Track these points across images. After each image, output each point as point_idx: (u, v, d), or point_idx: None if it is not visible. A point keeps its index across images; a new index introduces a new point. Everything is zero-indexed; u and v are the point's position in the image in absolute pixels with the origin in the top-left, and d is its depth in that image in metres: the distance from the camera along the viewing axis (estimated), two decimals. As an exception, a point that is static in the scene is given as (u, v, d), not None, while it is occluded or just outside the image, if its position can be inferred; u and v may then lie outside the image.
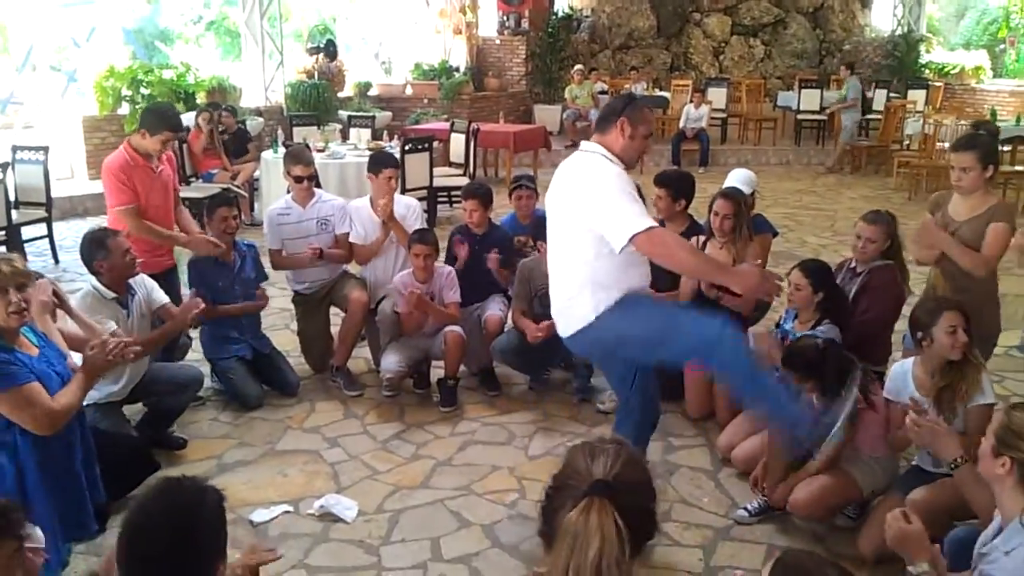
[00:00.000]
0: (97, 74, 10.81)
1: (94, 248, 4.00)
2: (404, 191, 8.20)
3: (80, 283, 5.15)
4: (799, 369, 3.53)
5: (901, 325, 4.51)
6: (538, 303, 4.79)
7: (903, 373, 3.50)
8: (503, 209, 6.08)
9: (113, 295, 4.03)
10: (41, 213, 7.73)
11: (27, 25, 15.64)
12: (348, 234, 5.21)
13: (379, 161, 5.25)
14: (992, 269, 3.84)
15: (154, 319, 4.30)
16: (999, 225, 3.80)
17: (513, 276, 5.04)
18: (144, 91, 10.77)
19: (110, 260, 3.98)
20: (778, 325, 4.40)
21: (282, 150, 8.48)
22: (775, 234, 5.25)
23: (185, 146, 9.07)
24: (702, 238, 4.61)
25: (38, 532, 2.66)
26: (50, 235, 7.76)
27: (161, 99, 10.83)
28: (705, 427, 4.59)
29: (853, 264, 4.32)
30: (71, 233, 8.45)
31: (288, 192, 5.28)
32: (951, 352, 3.29)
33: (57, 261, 7.72)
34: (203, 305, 4.31)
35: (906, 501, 3.26)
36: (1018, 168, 10.43)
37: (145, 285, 4.28)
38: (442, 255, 5.20)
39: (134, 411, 4.38)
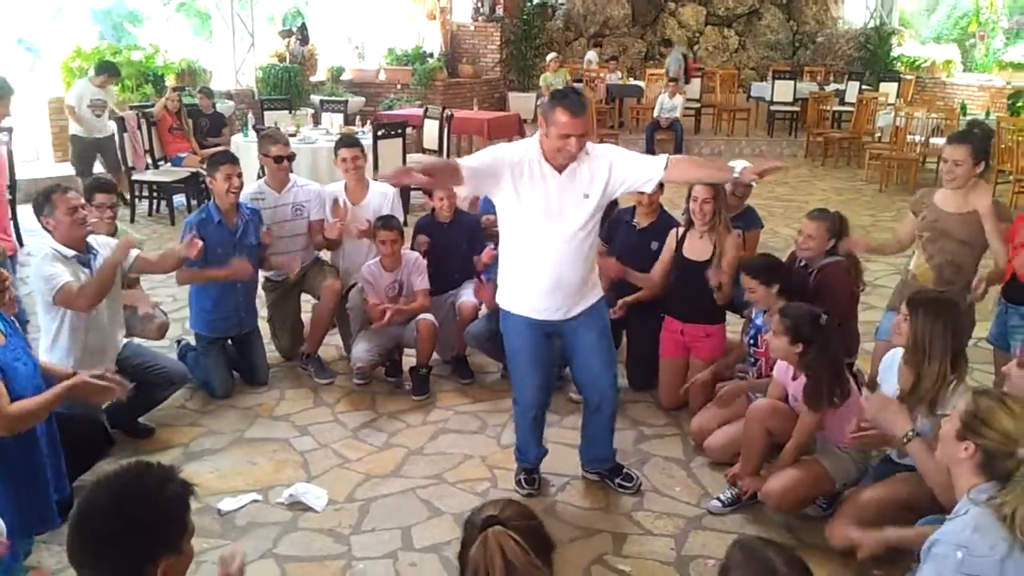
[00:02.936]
0: (64, 55, 10.59)
1: (40, 204, 3.89)
2: (376, 177, 8.13)
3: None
4: (788, 332, 3.60)
5: (868, 316, 4.56)
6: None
7: (891, 362, 3.50)
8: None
9: (73, 253, 3.90)
10: (5, 196, 7.56)
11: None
12: (323, 221, 5.13)
13: (337, 143, 5.24)
14: (1009, 258, 3.90)
15: (130, 278, 4.22)
16: (998, 226, 3.89)
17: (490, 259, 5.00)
18: (112, 72, 10.58)
19: (55, 217, 3.84)
20: (750, 319, 4.42)
21: (252, 134, 8.37)
22: (761, 227, 5.27)
23: (154, 128, 8.94)
24: (680, 230, 4.59)
25: None
26: (14, 218, 7.58)
27: (129, 81, 10.67)
28: (677, 417, 4.59)
29: (803, 262, 4.34)
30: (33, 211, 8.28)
31: (259, 177, 5.18)
32: (894, 338, 3.40)
33: (22, 244, 7.55)
34: (199, 245, 4.22)
35: (859, 500, 3.28)
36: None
37: (110, 245, 4.14)
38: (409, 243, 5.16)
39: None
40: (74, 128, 8.90)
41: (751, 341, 4.27)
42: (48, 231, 3.90)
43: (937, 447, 2.48)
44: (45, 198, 3.87)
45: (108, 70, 9.08)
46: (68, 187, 3.98)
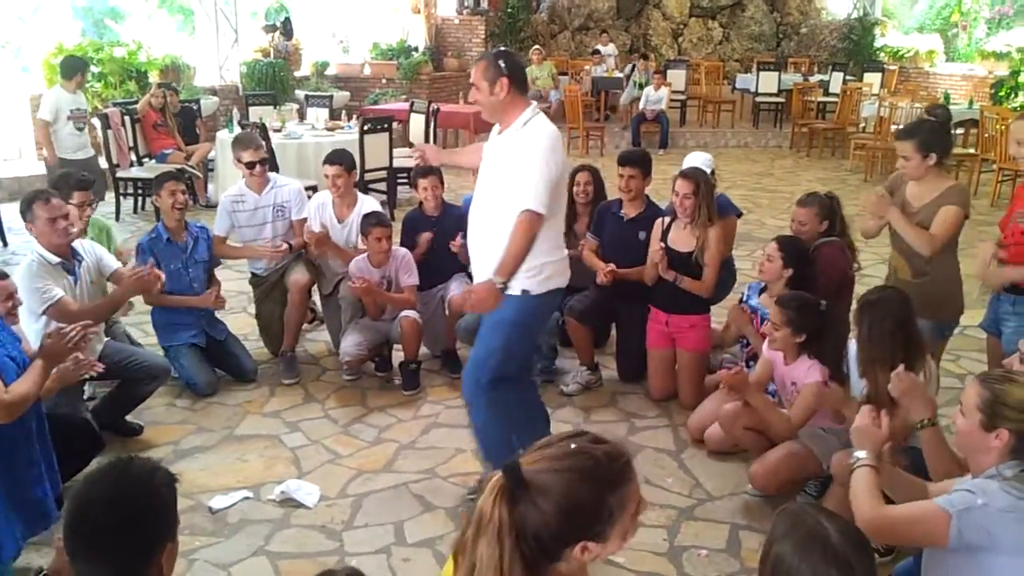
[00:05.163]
0: (45, 52, 10.49)
1: (24, 209, 3.91)
2: (364, 172, 8.11)
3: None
4: (790, 322, 3.59)
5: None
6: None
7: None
8: (464, 189, 6.01)
9: (57, 259, 3.91)
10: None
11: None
12: (305, 220, 5.10)
13: (325, 158, 5.14)
14: (937, 249, 3.82)
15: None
16: (949, 208, 3.79)
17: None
18: (94, 69, 10.49)
19: (37, 225, 3.86)
20: (742, 301, 4.44)
21: (238, 129, 8.32)
22: (739, 215, 5.28)
23: (138, 125, 8.87)
24: (666, 220, 4.60)
25: None
26: (-4, 216, 7.54)
27: (112, 78, 10.57)
28: (668, 408, 4.60)
29: None
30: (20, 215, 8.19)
31: (243, 177, 5.14)
32: None
33: (6, 244, 7.50)
34: (158, 274, 4.25)
35: (832, 461, 3.31)
36: (970, 151, 10.61)
37: (95, 251, 4.18)
38: (396, 239, 5.13)
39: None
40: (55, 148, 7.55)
41: None
42: (34, 236, 3.91)
43: (956, 441, 2.43)
44: (27, 205, 3.87)
45: (79, 66, 7.91)
46: (51, 195, 3.94)
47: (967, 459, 2.42)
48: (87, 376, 3.84)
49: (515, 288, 3.31)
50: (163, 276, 4.31)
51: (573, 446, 1.51)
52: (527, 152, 3.24)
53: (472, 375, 3.49)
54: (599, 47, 15.10)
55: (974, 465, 2.36)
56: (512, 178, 3.26)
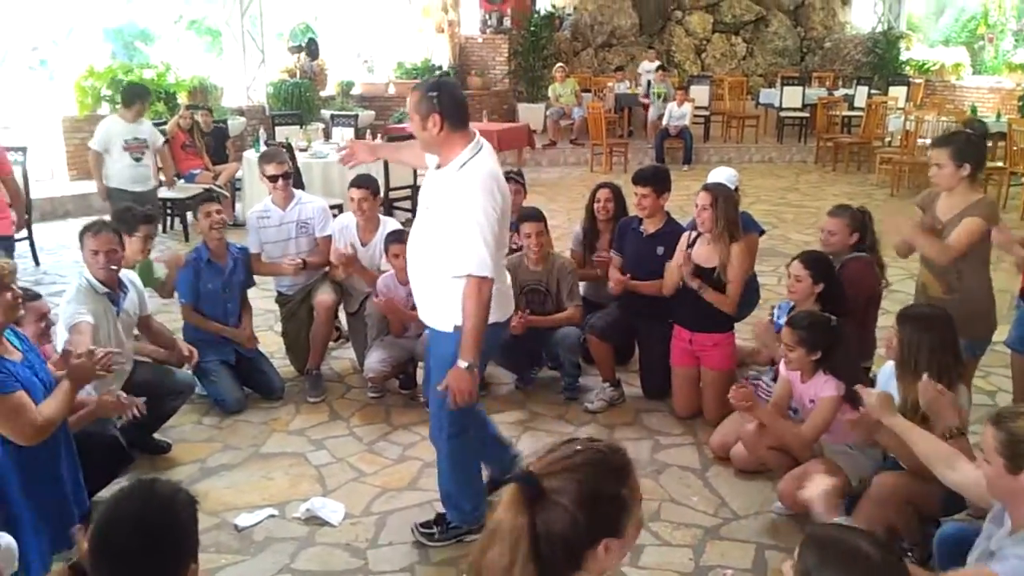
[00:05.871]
0: (77, 74, 10.69)
1: (79, 234, 4.03)
2: (388, 190, 8.18)
3: (61, 285, 5.08)
4: (803, 342, 3.58)
5: (883, 321, 4.55)
6: (523, 300, 4.79)
7: (888, 376, 3.48)
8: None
9: (105, 289, 3.99)
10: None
11: (2, 25, 15.49)
12: (329, 237, 5.14)
13: (351, 181, 5.15)
14: (952, 258, 3.78)
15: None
16: (971, 219, 3.75)
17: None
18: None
19: (83, 253, 3.99)
20: (773, 320, 4.41)
21: (264, 149, 8.41)
22: (761, 232, 5.25)
23: (167, 146, 8.98)
24: (692, 234, 4.58)
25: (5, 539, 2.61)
26: (30, 237, 7.63)
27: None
28: (692, 425, 4.58)
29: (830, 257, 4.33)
30: (52, 235, 8.34)
31: (269, 193, 5.20)
32: (885, 351, 3.42)
33: (38, 264, 7.62)
34: (192, 349, 4.43)
35: (872, 482, 3.28)
36: (998, 164, 10.50)
37: (137, 287, 4.27)
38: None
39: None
40: (109, 179, 7.39)
41: None
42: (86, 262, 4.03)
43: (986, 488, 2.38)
44: (81, 233, 4.00)
45: (140, 94, 7.58)
46: (101, 229, 4.01)
47: (1007, 509, 2.34)
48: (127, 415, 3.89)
49: (447, 325, 3.19)
50: (196, 354, 4.44)
51: (578, 447, 1.55)
52: (463, 206, 3.04)
53: (435, 422, 3.43)
54: (645, 62, 15.08)
55: (1015, 514, 2.28)
56: (447, 228, 3.10)
